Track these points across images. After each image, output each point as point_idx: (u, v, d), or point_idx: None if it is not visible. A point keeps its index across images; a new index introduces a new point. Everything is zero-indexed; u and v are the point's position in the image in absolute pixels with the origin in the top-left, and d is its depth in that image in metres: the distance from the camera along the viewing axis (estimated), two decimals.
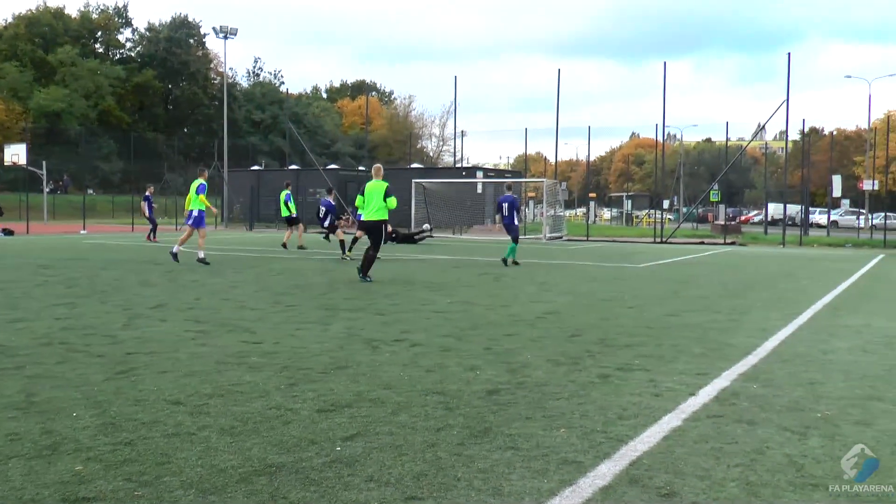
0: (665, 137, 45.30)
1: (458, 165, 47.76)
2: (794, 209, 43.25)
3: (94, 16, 78.77)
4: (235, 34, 49.79)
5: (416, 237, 25.32)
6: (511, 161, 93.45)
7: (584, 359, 6.44)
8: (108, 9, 79.57)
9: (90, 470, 3.64)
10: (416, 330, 7.80)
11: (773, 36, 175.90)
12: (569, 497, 3.41)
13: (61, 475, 3.58)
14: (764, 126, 45.29)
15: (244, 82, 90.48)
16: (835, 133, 62.78)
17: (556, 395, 5.18)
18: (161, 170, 51.07)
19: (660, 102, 34.96)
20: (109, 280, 12.52)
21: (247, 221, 41.51)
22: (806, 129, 42.61)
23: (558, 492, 3.46)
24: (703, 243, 30.16)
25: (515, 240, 16.90)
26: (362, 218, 16.29)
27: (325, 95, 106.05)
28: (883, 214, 39.63)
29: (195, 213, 15.60)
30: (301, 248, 21.13)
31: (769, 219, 46.20)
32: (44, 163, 48.07)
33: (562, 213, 37.51)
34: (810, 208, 45.46)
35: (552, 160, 45.74)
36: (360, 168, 51.58)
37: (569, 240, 32.33)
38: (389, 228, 17.18)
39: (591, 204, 52.35)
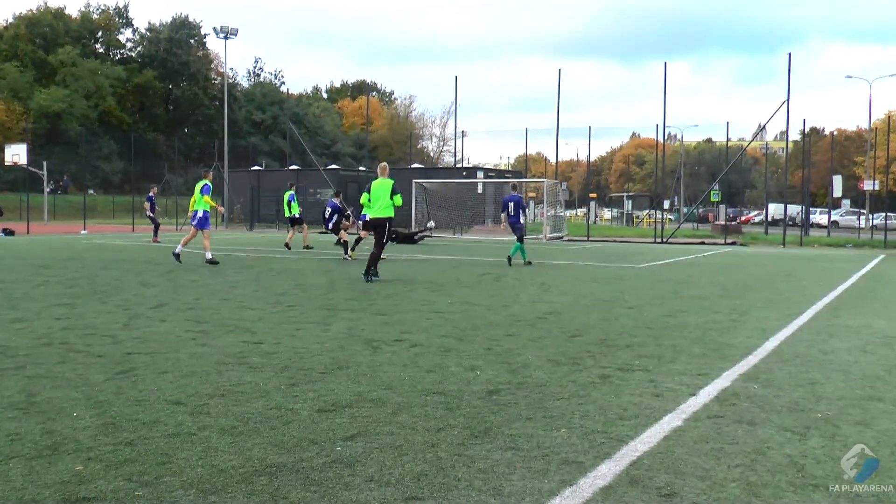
0: (665, 137, 45.31)
1: (459, 165, 47.77)
2: (794, 209, 43.25)
3: (95, 16, 78.84)
4: (236, 34, 49.80)
5: (416, 237, 25.32)
6: (511, 161, 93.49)
7: (584, 359, 6.44)
8: (108, 9, 79.69)
9: (90, 470, 3.65)
10: (416, 330, 7.80)
11: (773, 36, 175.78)
12: (569, 497, 3.41)
13: (62, 475, 3.58)
14: (764, 126, 45.36)
15: (245, 83, 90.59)
16: (835, 133, 62.80)
17: (557, 396, 5.18)
18: (161, 170, 51.03)
19: (660, 102, 34.95)
20: (109, 280, 12.53)
21: (247, 221, 41.55)
22: (806, 130, 42.64)
23: (559, 492, 3.46)
24: (703, 243, 30.16)
25: (521, 239, 16.95)
26: (368, 217, 16.41)
27: (325, 96, 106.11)
28: (883, 215, 39.64)
29: (199, 214, 15.59)
30: (307, 247, 21.19)
31: (770, 219, 46.21)
32: (44, 163, 48.11)
33: (562, 214, 37.53)
34: (811, 208, 45.47)
35: (553, 160, 45.78)
36: (361, 168, 51.58)
37: (569, 240, 32.34)
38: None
39: (592, 204, 52.39)
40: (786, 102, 29.45)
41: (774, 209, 49.80)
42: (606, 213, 70.58)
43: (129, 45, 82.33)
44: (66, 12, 76.60)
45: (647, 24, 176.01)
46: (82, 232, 32.23)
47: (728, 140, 42.30)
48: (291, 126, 46.82)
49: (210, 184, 15.78)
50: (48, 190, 50.58)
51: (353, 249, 17.99)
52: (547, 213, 35.24)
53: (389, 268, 15.40)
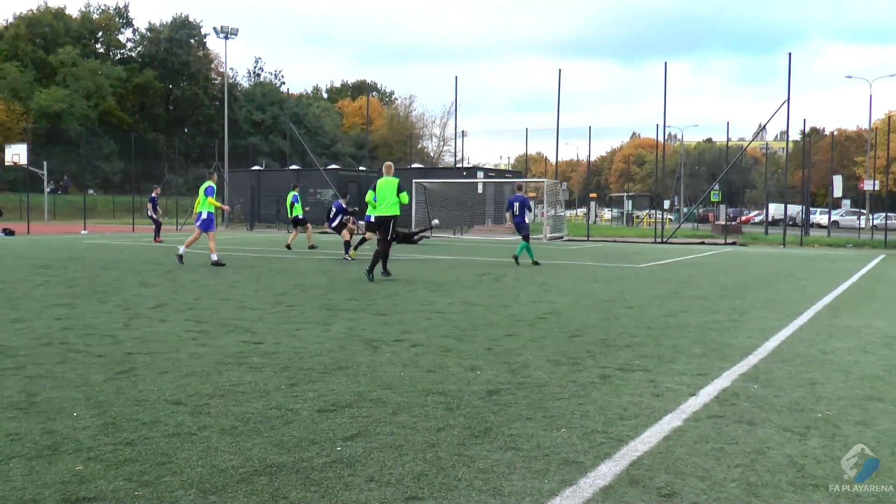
0: (665, 138, 45.31)
1: (459, 165, 47.78)
2: (794, 209, 43.27)
3: (95, 16, 78.84)
4: (236, 34, 49.80)
5: (415, 238, 25.31)
6: (512, 161, 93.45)
7: (584, 359, 6.44)
8: (108, 9, 79.68)
9: (91, 470, 3.65)
10: (416, 330, 7.80)
11: (773, 36, 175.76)
12: (569, 497, 3.41)
13: (62, 475, 3.58)
14: (765, 126, 45.41)
15: (245, 83, 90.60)
16: (835, 133, 62.79)
17: (557, 396, 5.18)
18: (162, 170, 51.05)
19: (660, 102, 34.97)
20: (109, 280, 12.53)
21: (247, 221, 41.55)
22: (807, 130, 42.65)
23: (559, 492, 3.46)
24: (703, 243, 30.16)
25: (526, 238, 17.01)
26: (372, 217, 16.51)
27: (325, 96, 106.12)
28: (884, 215, 39.65)
29: (204, 216, 15.59)
30: (312, 247, 21.24)
31: (770, 219, 46.21)
32: (44, 163, 48.13)
33: (562, 214, 37.53)
34: (811, 208, 45.46)
35: (553, 160, 45.79)
36: (361, 168, 51.59)
37: (569, 240, 32.34)
38: None
39: (592, 204, 52.40)
40: (786, 102, 29.48)
41: (774, 209, 49.81)
42: (606, 213, 70.58)
43: (129, 45, 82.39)
44: (67, 12, 76.62)
45: (647, 24, 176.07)
46: (82, 232, 32.23)
47: (728, 140, 42.34)
48: (291, 126, 46.83)
49: (214, 185, 15.79)
50: (48, 190, 50.60)
51: (355, 249, 17.99)
52: (547, 213, 35.24)
53: (390, 268, 15.38)
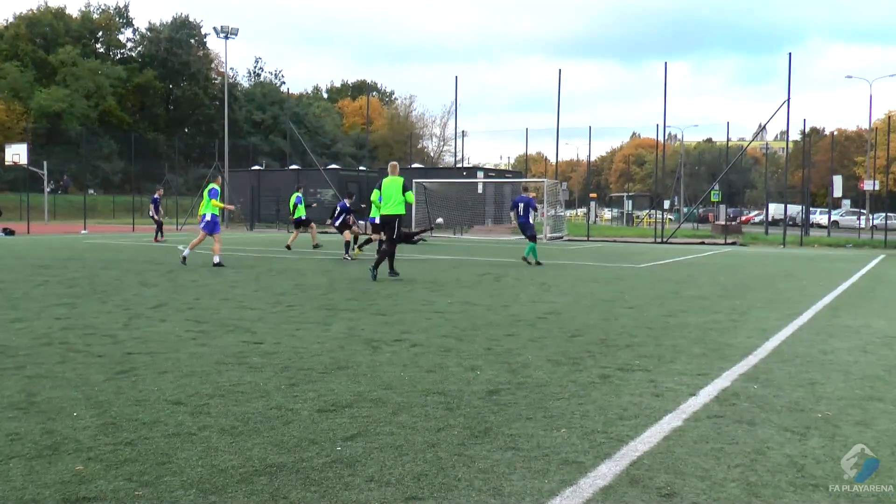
0: (666, 137, 45.29)
1: (459, 165, 47.77)
2: (794, 209, 43.26)
3: (95, 16, 78.84)
4: (236, 34, 49.79)
5: (414, 238, 25.28)
6: (512, 161, 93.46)
7: (584, 359, 6.44)
8: (108, 9, 79.67)
9: (91, 470, 3.65)
10: (416, 330, 7.80)
11: (773, 36, 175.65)
12: (569, 497, 3.41)
13: (62, 475, 3.58)
14: (765, 126, 45.44)
15: (245, 82, 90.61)
16: (835, 133, 62.78)
17: (557, 396, 5.18)
18: (162, 170, 51.08)
19: (660, 103, 34.97)
20: (109, 280, 12.53)
21: (247, 221, 41.56)
22: (807, 130, 42.66)
23: (559, 492, 3.46)
24: (703, 243, 30.16)
25: (532, 238, 17.14)
26: (375, 218, 16.64)
27: (325, 96, 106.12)
28: (884, 215, 39.64)
29: (208, 218, 15.59)
30: (316, 246, 21.28)
31: (770, 219, 46.21)
32: (45, 163, 48.16)
33: (562, 214, 37.53)
34: (811, 208, 45.46)
35: (553, 160, 45.78)
36: (361, 168, 51.59)
37: (569, 240, 32.34)
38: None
39: (592, 204, 52.39)
40: (786, 102, 29.48)
41: (774, 209, 49.80)
42: (606, 213, 70.56)
43: (129, 44, 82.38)
44: (67, 12, 76.61)
45: (647, 24, 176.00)
46: (82, 232, 32.24)
47: (728, 140, 42.32)
48: (292, 126, 46.83)
49: (218, 188, 15.79)
50: (48, 190, 50.61)
51: (360, 247, 17.99)
52: (547, 213, 35.25)
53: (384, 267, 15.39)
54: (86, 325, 7.84)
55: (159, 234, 25.96)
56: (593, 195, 57.75)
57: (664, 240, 30.95)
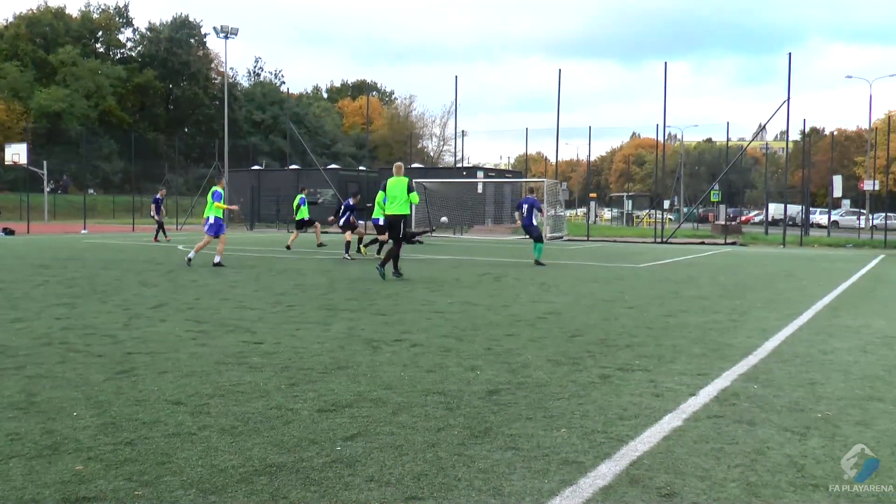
0: (665, 137, 45.31)
1: (459, 165, 47.78)
2: (794, 209, 43.26)
3: (95, 16, 78.86)
4: (236, 34, 49.84)
5: (412, 238, 25.25)
6: (512, 161, 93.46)
7: (584, 359, 6.44)
8: (108, 9, 79.69)
9: (90, 470, 3.65)
10: (416, 330, 7.80)
11: (773, 36, 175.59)
12: (569, 497, 3.41)
13: (62, 475, 3.58)
14: (765, 126, 45.43)
15: (245, 82, 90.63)
16: (835, 133, 62.80)
17: (557, 396, 5.18)
18: (162, 170, 51.09)
19: (660, 103, 34.98)
20: (109, 280, 12.53)
21: (247, 221, 41.56)
22: (806, 130, 42.64)
23: (559, 492, 3.46)
24: (703, 243, 30.17)
25: (539, 239, 17.22)
26: (381, 220, 16.69)
27: (325, 95, 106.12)
28: (883, 215, 39.65)
29: (211, 220, 15.60)
30: (321, 245, 21.32)
31: (770, 219, 46.21)
32: (44, 162, 48.20)
33: (562, 213, 37.53)
34: (811, 208, 45.46)
35: (553, 160, 45.77)
36: (361, 168, 51.59)
37: (569, 240, 32.33)
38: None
39: (592, 204, 52.37)
40: (786, 102, 29.49)
41: (774, 209, 49.80)
42: (606, 213, 70.57)
43: (129, 44, 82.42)
44: (67, 12, 76.67)
45: (647, 24, 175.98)
46: (82, 232, 32.24)
47: (728, 140, 42.31)
48: (291, 126, 46.84)
49: (221, 190, 15.80)
50: (48, 190, 50.62)
51: (366, 247, 17.97)
52: (547, 212, 35.24)
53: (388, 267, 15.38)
54: (86, 325, 7.84)
55: (162, 234, 25.93)
56: (593, 195, 57.73)
57: (664, 240, 30.95)
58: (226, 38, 49.64)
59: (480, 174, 42.32)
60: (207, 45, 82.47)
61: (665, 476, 3.68)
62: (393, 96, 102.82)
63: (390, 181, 13.42)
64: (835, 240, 32.62)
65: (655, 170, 57.02)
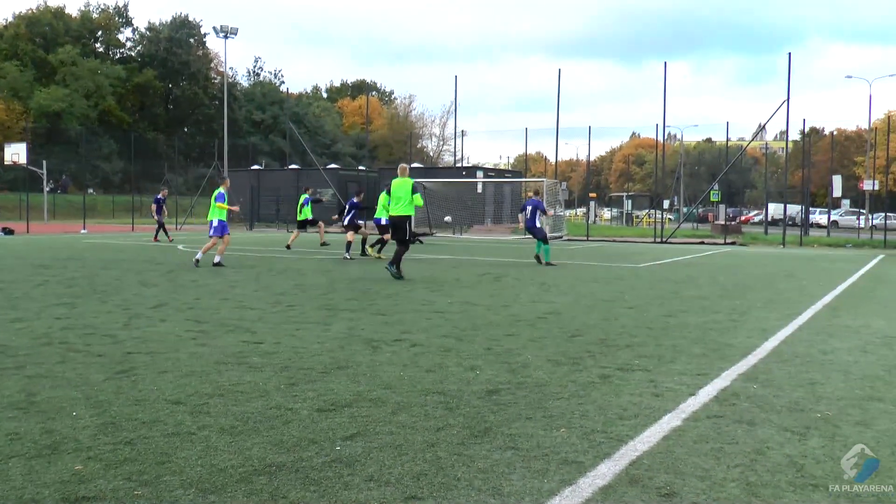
0: (665, 137, 45.33)
1: (459, 165, 47.77)
2: (794, 209, 43.26)
3: (95, 15, 78.84)
4: (236, 34, 49.87)
5: (414, 238, 25.23)
6: (511, 161, 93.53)
7: (584, 359, 6.44)
8: (108, 8, 79.67)
9: (90, 469, 3.64)
10: (416, 330, 7.80)
11: (773, 36, 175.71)
12: (569, 497, 3.41)
13: (61, 474, 3.58)
14: (764, 126, 45.33)
15: (244, 82, 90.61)
16: (835, 133, 62.81)
17: (557, 395, 5.18)
18: (161, 170, 51.06)
19: (660, 103, 34.97)
20: (109, 280, 12.53)
21: (247, 221, 41.56)
22: (806, 130, 42.61)
23: (558, 492, 3.46)
24: (703, 243, 30.16)
25: (544, 240, 17.31)
26: (383, 220, 16.83)
27: (325, 95, 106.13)
28: (883, 215, 39.62)
29: (215, 223, 15.62)
30: (324, 244, 21.35)
31: (769, 219, 46.21)
32: (44, 162, 48.15)
33: (562, 213, 37.53)
34: (810, 208, 45.46)
35: (552, 160, 45.77)
36: (361, 168, 51.58)
37: (569, 240, 32.33)
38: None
39: (592, 204, 52.38)
40: (786, 102, 29.47)
41: (774, 209, 49.81)
42: (606, 213, 70.59)
43: (128, 44, 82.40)
44: (66, 12, 76.63)
45: (647, 24, 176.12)
46: (82, 231, 32.23)
47: (728, 140, 42.29)
48: (291, 126, 46.83)
49: (225, 192, 15.81)
50: (47, 189, 50.61)
51: (372, 247, 17.99)
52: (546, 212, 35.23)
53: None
54: (85, 325, 7.84)
55: (163, 234, 25.89)
56: (593, 195, 57.74)
57: (664, 240, 30.95)
58: (225, 37, 49.65)
59: (480, 174, 42.31)
60: (207, 44, 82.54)
61: (665, 476, 3.68)
62: (393, 96, 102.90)
63: (395, 182, 13.50)
64: (834, 240, 32.62)
65: (655, 170, 57.03)
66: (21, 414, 4.57)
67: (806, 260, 21.00)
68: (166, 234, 25.89)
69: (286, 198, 42.81)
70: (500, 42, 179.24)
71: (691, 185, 78.52)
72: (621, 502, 3.38)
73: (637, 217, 56.42)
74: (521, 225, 18.07)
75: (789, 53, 49.31)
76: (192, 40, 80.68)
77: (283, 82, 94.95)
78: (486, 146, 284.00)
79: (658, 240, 31.00)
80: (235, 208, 17.34)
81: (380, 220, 17.49)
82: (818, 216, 52.45)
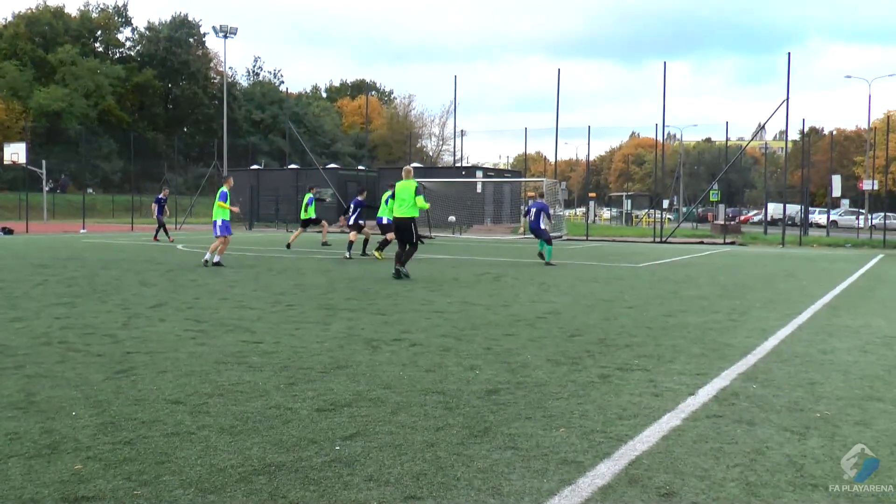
0: (665, 137, 45.32)
1: (458, 165, 47.75)
2: (793, 209, 43.27)
3: (94, 15, 78.83)
4: (235, 33, 49.85)
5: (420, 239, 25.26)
6: (511, 161, 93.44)
7: (583, 359, 6.44)
8: (107, 8, 79.65)
9: (90, 469, 3.64)
10: (415, 330, 7.79)
11: (773, 36, 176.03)
12: (568, 497, 3.41)
13: (61, 474, 3.57)
14: (764, 126, 45.36)
15: (244, 82, 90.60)
16: (835, 133, 62.81)
17: (556, 395, 5.18)
18: (161, 169, 51.05)
19: (660, 102, 34.96)
20: (109, 279, 12.52)
21: (246, 221, 41.54)
22: (806, 129, 42.61)
23: (558, 491, 3.46)
24: (702, 243, 30.17)
25: (548, 241, 17.46)
26: (384, 219, 16.87)
27: (324, 95, 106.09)
28: (882, 214, 39.62)
29: (219, 223, 15.63)
30: (325, 244, 21.35)
31: (769, 219, 46.20)
32: (43, 162, 48.13)
33: (561, 213, 37.53)
34: (810, 208, 45.46)
35: (552, 160, 45.75)
36: (360, 167, 51.57)
37: (568, 239, 32.32)
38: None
39: (591, 204, 52.39)
40: (785, 102, 29.47)
41: (773, 209, 49.79)
42: (605, 213, 70.59)
43: (128, 44, 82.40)
44: (66, 11, 76.62)
45: (647, 24, 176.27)
46: (82, 231, 32.22)
47: (727, 140, 42.29)
48: (291, 125, 46.80)
49: (227, 191, 15.79)
50: (47, 189, 50.59)
51: (378, 250, 18.07)
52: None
53: (389, 267, 15.38)
54: (85, 325, 7.83)
55: (164, 234, 25.88)
56: (592, 195, 57.74)
57: (663, 239, 30.95)
58: (225, 37, 49.64)
59: (479, 174, 42.31)
60: (206, 44, 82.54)
61: (664, 476, 3.68)
62: (392, 96, 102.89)
63: (399, 185, 13.60)
64: (834, 239, 32.63)
65: (655, 169, 57.05)
66: (20, 413, 4.57)
67: (805, 260, 21.00)
68: (167, 233, 25.87)
69: (286, 198, 42.80)
70: (500, 42, 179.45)
71: (691, 185, 78.51)
72: (621, 502, 3.38)
73: (636, 217, 56.42)
74: (522, 229, 18.21)
75: (789, 53, 49.34)
76: (191, 40, 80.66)
77: (282, 82, 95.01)
78: (486, 146, 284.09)
79: (657, 240, 31.00)
80: (235, 209, 17.34)
81: (381, 219, 17.52)
82: (817, 216, 52.45)
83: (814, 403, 5.08)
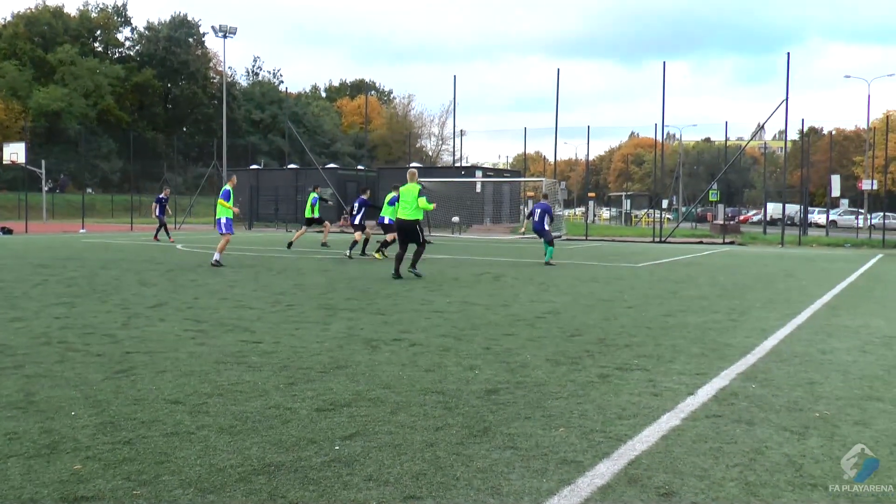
0: (664, 137, 45.30)
1: (458, 165, 47.74)
2: (793, 209, 43.26)
3: (94, 15, 78.82)
4: (235, 33, 49.80)
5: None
6: (510, 160, 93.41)
7: (583, 358, 6.44)
8: (107, 8, 79.64)
9: (89, 469, 3.64)
10: (415, 329, 7.79)
11: (772, 36, 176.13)
12: (567, 496, 3.41)
13: (60, 474, 3.57)
14: (763, 126, 45.42)
15: (243, 81, 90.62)
16: (834, 133, 62.80)
17: (556, 395, 5.18)
18: (161, 169, 51.04)
19: (659, 102, 34.97)
20: (108, 279, 12.52)
21: (246, 221, 41.53)
22: (805, 129, 42.65)
23: (557, 491, 3.46)
24: (701, 243, 30.18)
25: (550, 242, 17.51)
26: (386, 219, 16.97)
27: (324, 95, 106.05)
28: (882, 214, 39.66)
29: (223, 221, 15.62)
30: (324, 244, 21.36)
31: (768, 218, 46.20)
32: (43, 162, 48.09)
33: (561, 213, 37.52)
34: (809, 208, 45.46)
35: (551, 160, 45.75)
36: (360, 167, 51.56)
37: (568, 239, 32.32)
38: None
39: (590, 203, 52.39)
40: (784, 102, 29.48)
41: (773, 209, 49.78)
42: (605, 213, 70.60)
43: (127, 43, 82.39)
44: (65, 11, 76.64)
45: (647, 24, 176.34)
46: (81, 231, 32.21)
47: (727, 139, 42.30)
48: (290, 125, 46.78)
49: (230, 189, 15.78)
50: (46, 189, 50.57)
51: (385, 247, 18.08)
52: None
53: (389, 267, 15.38)
54: (84, 325, 7.83)
55: (165, 234, 25.88)
56: (592, 195, 57.74)
57: (662, 239, 30.96)
58: (224, 37, 49.60)
59: (479, 174, 42.30)
60: (206, 44, 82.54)
61: (663, 475, 3.68)
62: (392, 95, 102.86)
63: (403, 188, 13.71)
64: (833, 239, 32.63)
65: (654, 169, 57.04)
66: (20, 413, 4.57)
67: (805, 259, 21.00)
68: (167, 233, 25.87)
69: (285, 197, 42.80)
70: (500, 42, 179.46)
71: (690, 185, 78.54)
72: (620, 502, 3.38)
73: (636, 217, 56.42)
74: (523, 230, 18.26)
75: (788, 53, 49.38)
76: (190, 40, 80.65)
77: (282, 82, 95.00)
78: (485, 146, 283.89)
79: (657, 239, 31.01)
80: (236, 210, 17.35)
81: (383, 219, 17.56)
82: (817, 216, 52.42)
83: (813, 403, 5.08)
